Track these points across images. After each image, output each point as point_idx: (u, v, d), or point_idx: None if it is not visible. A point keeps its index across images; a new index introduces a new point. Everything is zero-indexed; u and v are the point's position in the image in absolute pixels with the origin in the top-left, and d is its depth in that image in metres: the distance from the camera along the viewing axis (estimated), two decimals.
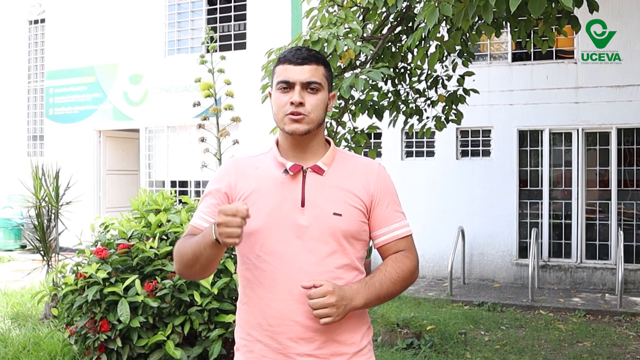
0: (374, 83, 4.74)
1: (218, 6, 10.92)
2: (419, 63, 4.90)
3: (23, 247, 11.99)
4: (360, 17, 4.87)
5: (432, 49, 4.86)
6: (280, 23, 10.03)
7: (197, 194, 10.79)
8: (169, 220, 4.46)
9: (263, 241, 1.74)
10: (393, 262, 1.80)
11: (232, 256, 4.12)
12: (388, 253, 1.83)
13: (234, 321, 3.93)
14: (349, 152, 1.95)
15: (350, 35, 4.01)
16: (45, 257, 6.21)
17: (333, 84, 4.11)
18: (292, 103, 1.72)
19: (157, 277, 4.13)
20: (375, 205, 1.80)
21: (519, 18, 4.82)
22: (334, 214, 1.74)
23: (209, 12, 11.06)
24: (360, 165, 1.84)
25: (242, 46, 10.63)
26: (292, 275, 1.71)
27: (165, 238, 4.38)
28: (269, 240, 1.72)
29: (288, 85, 1.74)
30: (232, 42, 10.78)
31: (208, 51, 5.31)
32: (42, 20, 12.83)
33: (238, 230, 1.55)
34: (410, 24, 5.01)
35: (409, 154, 9.33)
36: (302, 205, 1.74)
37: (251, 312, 1.78)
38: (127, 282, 4.01)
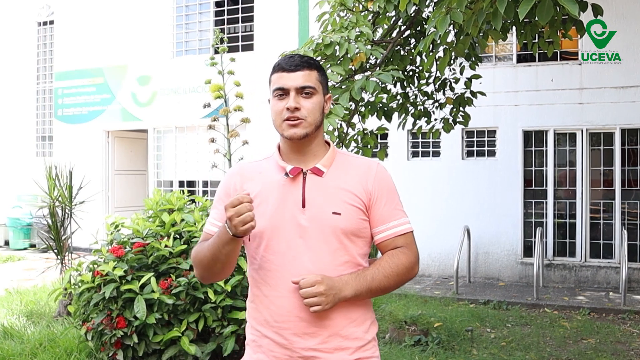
0: (383, 85, 4.83)
1: (226, 7, 11.00)
2: (428, 67, 4.99)
3: (32, 246, 12.12)
4: (371, 21, 4.97)
5: (440, 53, 4.95)
6: (287, 24, 10.10)
7: (205, 193, 10.89)
8: (182, 220, 4.55)
9: (267, 242, 1.82)
10: (389, 257, 1.84)
11: (244, 254, 4.21)
12: (387, 250, 1.87)
13: None
14: (349, 152, 2.01)
15: (360, 38, 4.11)
16: (59, 256, 6.32)
17: (344, 86, 4.24)
18: (288, 109, 1.79)
19: (172, 274, 4.22)
20: (373, 203, 1.85)
21: (525, 20, 4.90)
22: (333, 213, 1.79)
23: (217, 13, 11.14)
24: (358, 165, 1.89)
25: (249, 47, 10.70)
26: (295, 273, 1.77)
27: (179, 237, 4.47)
28: (273, 240, 1.79)
29: (283, 92, 1.81)
30: (240, 43, 10.86)
31: (217, 52, 5.36)
32: (51, 22, 12.92)
33: (250, 214, 1.65)
34: (418, 28, 5.10)
35: (415, 154, 9.40)
36: (303, 206, 1.81)
37: (258, 309, 1.86)
38: (143, 280, 4.11)
